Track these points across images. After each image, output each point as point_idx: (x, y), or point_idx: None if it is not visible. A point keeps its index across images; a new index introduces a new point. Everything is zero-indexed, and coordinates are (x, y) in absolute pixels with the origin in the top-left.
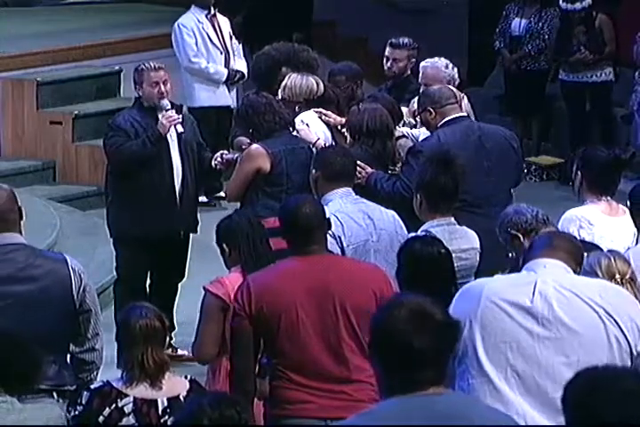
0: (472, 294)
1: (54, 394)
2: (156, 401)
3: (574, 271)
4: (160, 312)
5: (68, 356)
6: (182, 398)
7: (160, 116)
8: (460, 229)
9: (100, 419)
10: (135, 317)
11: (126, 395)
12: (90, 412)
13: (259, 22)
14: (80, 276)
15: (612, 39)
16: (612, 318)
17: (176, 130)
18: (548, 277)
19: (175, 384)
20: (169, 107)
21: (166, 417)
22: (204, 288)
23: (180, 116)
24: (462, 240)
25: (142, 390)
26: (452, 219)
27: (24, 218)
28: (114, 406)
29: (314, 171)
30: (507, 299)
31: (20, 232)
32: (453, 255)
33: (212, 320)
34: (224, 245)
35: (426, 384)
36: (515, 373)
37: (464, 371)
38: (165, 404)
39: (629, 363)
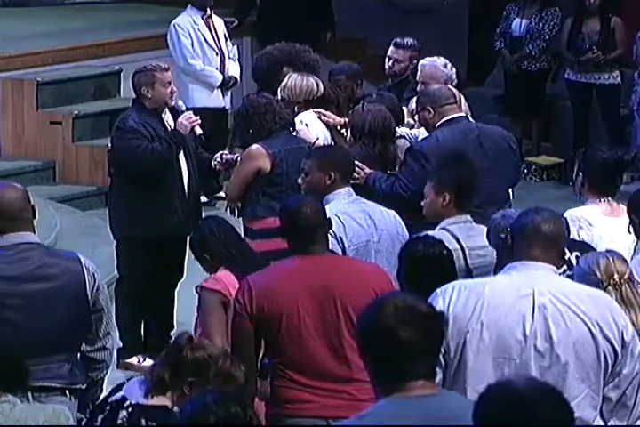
0: (472, 293)
1: (67, 392)
2: None
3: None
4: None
5: (79, 355)
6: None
7: (181, 116)
8: (476, 226)
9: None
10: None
11: None
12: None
13: (275, 22)
14: (93, 275)
15: (623, 42)
16: (604, 332)
17: (195, 132)
18: (543, 286)
19: None
20: (184, 108)
21: None
22: (199, 287)
23: (198, 117)
24: (479, 237)
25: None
26: (469, 216)
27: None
28: None
29: None
30: (508, 309)
31: (34, 231)
32: (472, 252)
33: (216, 314)
34: (205, 256)
35: (416, 378)
36: None
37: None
38: None
39: (607, 377)
